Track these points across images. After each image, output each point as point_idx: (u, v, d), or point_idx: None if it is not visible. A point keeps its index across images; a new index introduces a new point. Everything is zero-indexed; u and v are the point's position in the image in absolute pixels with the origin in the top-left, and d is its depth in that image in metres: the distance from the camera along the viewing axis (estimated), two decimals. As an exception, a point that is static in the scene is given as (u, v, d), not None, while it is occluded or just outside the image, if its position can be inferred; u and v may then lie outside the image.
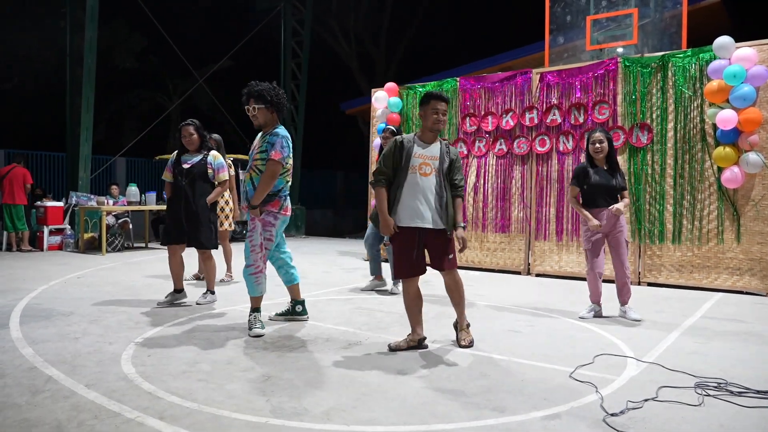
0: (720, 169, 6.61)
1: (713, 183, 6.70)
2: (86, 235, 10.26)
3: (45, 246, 10.33)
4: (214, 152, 5.46)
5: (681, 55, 6.90)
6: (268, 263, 4.47)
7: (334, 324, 4.67)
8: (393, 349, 3.88)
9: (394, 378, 3.30)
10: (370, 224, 6.49)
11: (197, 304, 5.40)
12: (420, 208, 3.77)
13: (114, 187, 11.10)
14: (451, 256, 3.86)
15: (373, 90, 9.38)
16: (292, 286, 4.72)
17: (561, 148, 7.65)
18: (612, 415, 2.76)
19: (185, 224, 5.24)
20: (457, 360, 3.68)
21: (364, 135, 13.94)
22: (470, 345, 3.97)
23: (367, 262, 8.93)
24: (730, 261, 6.59)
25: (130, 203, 10.55)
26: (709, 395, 3.05)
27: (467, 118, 8.41)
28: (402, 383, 3.20)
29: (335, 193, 22.47)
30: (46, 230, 10.35)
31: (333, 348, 3.94)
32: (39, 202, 10.78)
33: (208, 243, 5.32)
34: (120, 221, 10.56)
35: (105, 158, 14.77)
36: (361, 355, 3.75)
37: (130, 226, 10.83)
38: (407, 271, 3.84)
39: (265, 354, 3.77)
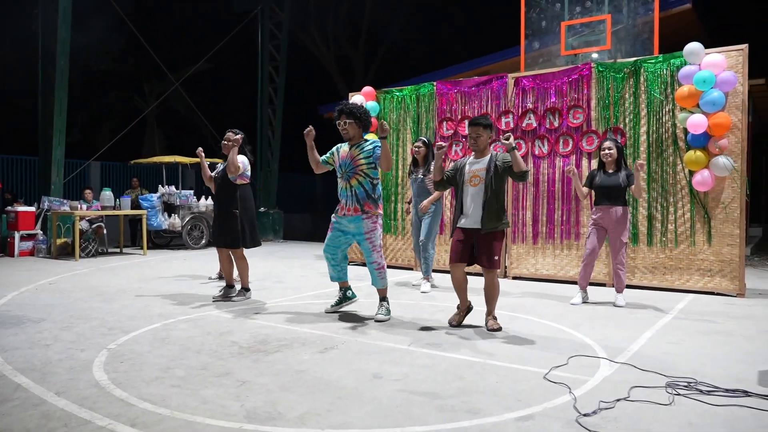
0: (691, 173, 6.72)
1: (685, 186, 6.80)
2: (59, 241, 10.09)
3: (16, 252, 10.12)
4: (241, 158, 5.85)
5: (653, 61, 7.02)
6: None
7: (310, 328, 4.66)
8: (452, 323, 4.74)
9: (369, 381, 3.30)
10: (416, 231, 6.97)
11: (233, 300, 5.83)
12: (470, 212, 4.60)
13: (87, 191, 10.91)
14: (496, 258, 4.53)
15: (350, 94, 9.39)
16: (345, 282, 5.35)
17: (536, 152, 7.72)
18: (585, 415, 2.80)
19: (218, 227, 5.87)
20: (434, 362, 3.69)
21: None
22: (497, 329, 4.57)
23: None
24: (701, 263, 6.71)
25: (104, 208, 10.43)
26: (679, 394, 3.11)
27: (444, 122, 8.45)
28: (377, 386, 3.21)
29: (314, 197, 22.36)
30: (17, 236, 10.15)
31: (309, 352, 3.92)
32: (10, 207, 10.56)
33: (233, 243, 5.78)
34: (94, 226, 10.40)
35: (79, 162, 14.53)
36: (337, 359, 3.75)
37: (104, 232, 10.67)
38: (454, 256, 4.62)
39: (241, 359, 3.74)
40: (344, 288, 5.35)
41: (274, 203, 15.60)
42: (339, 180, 5.07)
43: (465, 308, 4.80)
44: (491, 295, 4.65)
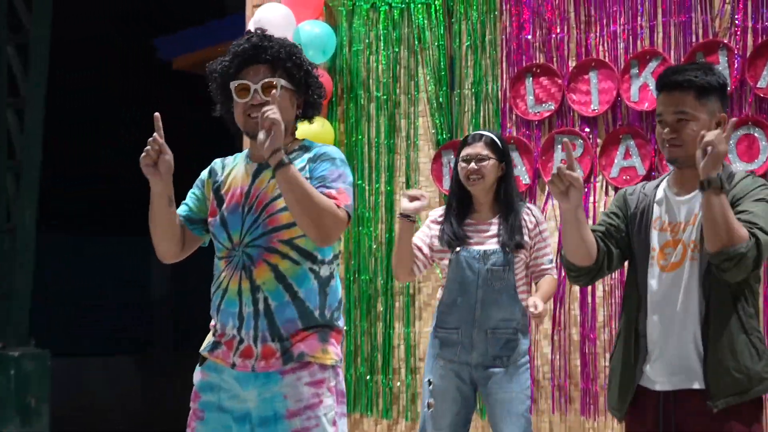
0: None
1: None
2: None
3: None
4: None
5: None
6: None
7: None
8: None
9: None
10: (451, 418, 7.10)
11: None
12: (666, 342, 3.66)
13: None
14: None
15: (250, 3, 7.87)
16: None
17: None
18: None
19: None
20: None
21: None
22: None
23: None
24: None
25: None
26: None
27: (527, 79, 6.79)
28: None
29: (149, 305, 18.53)
30: None
31: None
32: None
33: None
34: None
35: None
36: None
37: None
38: None
39: None
40: None
41: (25, 330, 13.28)
42: (220, 263, 3.98)
43: None
44: None
